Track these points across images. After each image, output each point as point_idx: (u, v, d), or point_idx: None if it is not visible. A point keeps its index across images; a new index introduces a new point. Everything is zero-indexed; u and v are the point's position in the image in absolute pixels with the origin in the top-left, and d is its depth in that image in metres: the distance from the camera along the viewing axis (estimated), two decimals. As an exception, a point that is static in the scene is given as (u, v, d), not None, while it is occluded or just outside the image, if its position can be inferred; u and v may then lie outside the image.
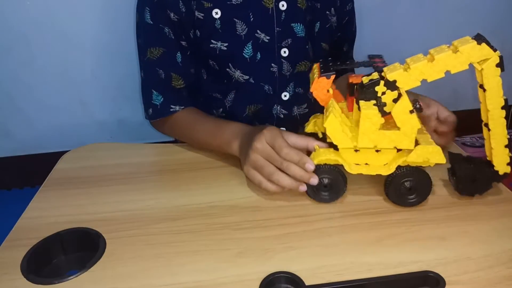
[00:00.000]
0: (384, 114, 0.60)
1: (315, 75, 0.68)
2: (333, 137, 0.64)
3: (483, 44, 0.56)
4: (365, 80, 0.62)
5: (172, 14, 0.82)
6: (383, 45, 0.88)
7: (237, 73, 0.86)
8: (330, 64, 0.67)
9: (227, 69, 0.86)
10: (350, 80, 0.66)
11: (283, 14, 0.84)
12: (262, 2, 0.83)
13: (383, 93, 0.60)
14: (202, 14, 0.82)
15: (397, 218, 0.64)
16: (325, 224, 0.64)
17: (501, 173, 0.64)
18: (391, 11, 1.42)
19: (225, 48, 0.84)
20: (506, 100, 0.59)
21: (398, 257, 0.57)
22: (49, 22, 1.28)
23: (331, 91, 0.67)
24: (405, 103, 0.60)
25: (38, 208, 0.69)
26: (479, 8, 1.50)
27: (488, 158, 0.64)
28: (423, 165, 0.64)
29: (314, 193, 0.67)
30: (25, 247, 0.60)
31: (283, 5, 0.83)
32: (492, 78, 0.58)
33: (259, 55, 0.85)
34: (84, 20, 1.29)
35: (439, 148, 0.62)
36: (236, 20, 0.83)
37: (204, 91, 0.91)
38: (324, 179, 0.66)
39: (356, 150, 0.65)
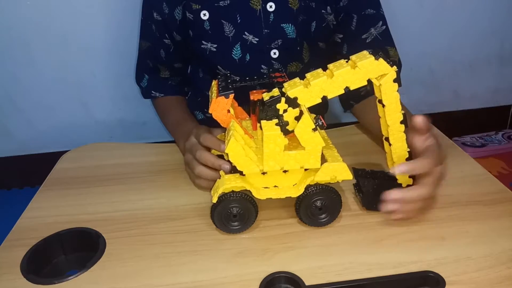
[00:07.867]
0: (286, 133, 0.57)
1: (213, 94, 0.62)
2: (236, 163, 0.59)
3: (381, 60, 0.55)
4: (266, 96, 0.59)
5: (155, 14, 0.87)
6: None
7: None
8: (229, 81, 0.63)
9: (217, 70, 0.88)
10: (252, 97, 0.62)
11: (272, 15, 0.83)
12: (249, 4, 0.82)
13: (285, 111, 0.57)
14: (192, 15, 0.84)
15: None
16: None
17: (404, 185, 0.63)
18: (390, 11, 1.42)
19: (214, 49, 0.85)
20: (404, 115, 0.58)
21: (398, 257, 0.57)
22: (49, 22, 1.27)
23: (231, 110, 0.62)
24: (307, 121, 0.56)
25: (38, 208, 0.69)
26: (479, 8, 1.50)
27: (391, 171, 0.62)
28: (331, 182, 0.61)
29: (223, 225, 0.62)
30: (25, 247, 0.60)
31: (271, 6, 0.83)
32: (390, 94, 0.57)
33: (248, 56, 0.85)
34: (84, 20, 1.29)
35: (344, 165, 0.60)
36: (224, 21, 0.83)
37: (203, 89, 0.93)
38: (232, 209, 0.61)
39: (263, 173, 0.61)
